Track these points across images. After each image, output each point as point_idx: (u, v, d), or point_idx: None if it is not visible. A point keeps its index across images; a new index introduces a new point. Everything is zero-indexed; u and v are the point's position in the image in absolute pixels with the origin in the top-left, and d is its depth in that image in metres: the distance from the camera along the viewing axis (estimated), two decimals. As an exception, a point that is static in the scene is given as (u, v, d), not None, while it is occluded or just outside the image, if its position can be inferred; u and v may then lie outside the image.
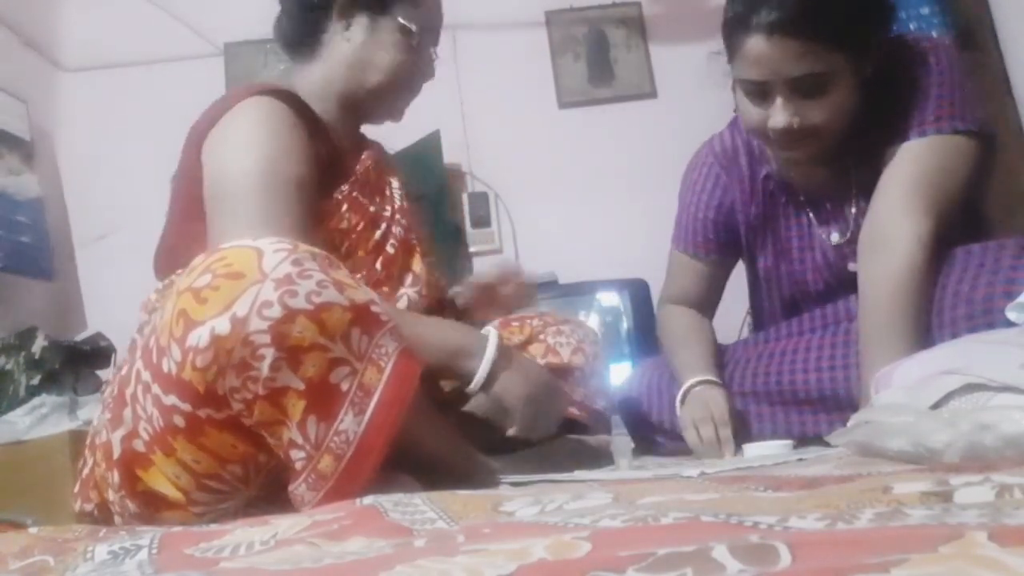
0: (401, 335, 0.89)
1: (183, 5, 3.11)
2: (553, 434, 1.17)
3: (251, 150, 1.07)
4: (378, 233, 1.23)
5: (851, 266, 1.30)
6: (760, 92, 1.20)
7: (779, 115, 1.19)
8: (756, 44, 1.15)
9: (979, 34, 2.68)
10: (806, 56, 1.14)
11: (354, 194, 1.22)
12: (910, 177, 1.19)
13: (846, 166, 1.31)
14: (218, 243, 1.02)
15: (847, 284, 1.31)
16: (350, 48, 1.22)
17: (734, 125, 1.47)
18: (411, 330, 0.96)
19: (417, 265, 1.29)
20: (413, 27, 1.21)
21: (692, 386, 1.38)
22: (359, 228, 1.20)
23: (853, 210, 1.32)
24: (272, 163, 1.06)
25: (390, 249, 1.24)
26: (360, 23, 1.22)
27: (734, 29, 1.20)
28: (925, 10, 2.64)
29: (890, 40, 1.24)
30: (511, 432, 1.10)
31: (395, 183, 1.33)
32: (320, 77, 1.24)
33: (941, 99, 1.21)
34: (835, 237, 1.35)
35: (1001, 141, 2.62)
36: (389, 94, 1.25)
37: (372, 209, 1.24)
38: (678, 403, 1.39)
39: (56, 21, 3.13)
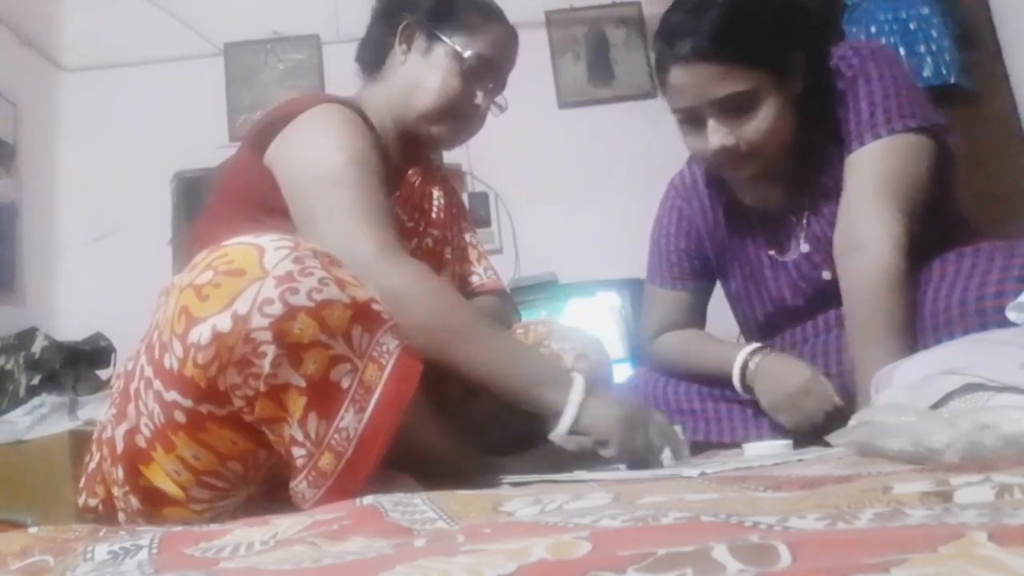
0: (402, 333, 0.89)
1: (183, 5, 3.11)
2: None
3: (341, 148, 1.11)
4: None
5: (824, 274, 1.32)
6: (693, 119, 1.25)
7: (712, 137, 1.23)
8: (677, 74, 1.22)
9: (979, 34, 2.68)
10: (725, 77, 1.19)
11: (394, 208, 1.24)
12: (874, 179, 1.21)
13: (800, 178, 1.33)
14: (322, 238, 1.00)
15: (825, 295, 1.32)
16: (406, 70, 1.28)
17: (692, 159, 1.50)
18: (498, 347, 1.03)
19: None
20: (465, 54, 1.24)
21: (751, 354, 1.33)
22: None
23: (812, 220, 1.34)
24: (362, 159, 1.11)
25: None
26: (418, 47, 1.28)
27: (659, 65, 1.26)
28: (925, 10, 2.64)
29: (827, 52, 1.28)
30: (608, 454, 1.00)
31: (436, 194, 1.36)
32: (381, 97, 1.30)
33: (888, 100, 1.23)
34: (804, 247, 1.36)
35: (1001, 141, 2.62)
36: (434, 118, 1.27)
37: (409, 225, 1.29)
38: (736, 380, 1.33)
39: (55, 21, 3.13)
